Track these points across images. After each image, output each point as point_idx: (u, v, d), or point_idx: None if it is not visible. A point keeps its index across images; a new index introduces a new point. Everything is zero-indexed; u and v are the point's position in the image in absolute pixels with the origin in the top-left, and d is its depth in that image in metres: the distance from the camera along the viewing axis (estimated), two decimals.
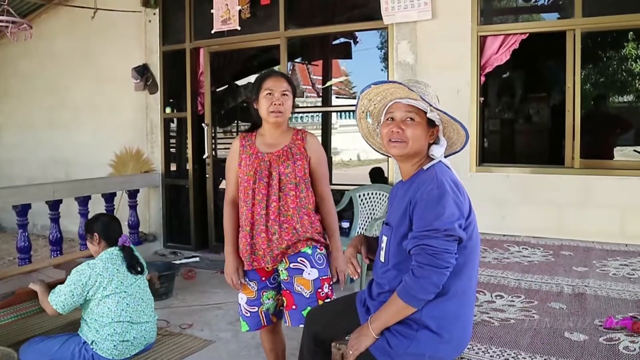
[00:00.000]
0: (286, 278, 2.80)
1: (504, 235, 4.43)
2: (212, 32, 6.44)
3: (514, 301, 2.84)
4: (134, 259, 3.35)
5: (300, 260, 2.77)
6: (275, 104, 2.74)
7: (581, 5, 4.76)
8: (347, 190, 5.66)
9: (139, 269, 3.35)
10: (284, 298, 2.84)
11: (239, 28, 6.27)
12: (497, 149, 7.91)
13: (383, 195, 5.46)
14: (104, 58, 7.39)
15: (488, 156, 6.31)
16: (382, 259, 2.19)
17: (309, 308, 2.72)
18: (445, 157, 2.17)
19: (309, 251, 2.79)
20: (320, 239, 2.85)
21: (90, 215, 5.69)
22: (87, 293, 3.16)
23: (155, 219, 7.06)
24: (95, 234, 3.37)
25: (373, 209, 5.50)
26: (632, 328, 2.37)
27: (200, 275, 5.75)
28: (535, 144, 7.83)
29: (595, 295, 2.92)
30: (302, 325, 2.57)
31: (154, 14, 6.89)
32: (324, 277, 2.80)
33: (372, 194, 5.55)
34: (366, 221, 5.44)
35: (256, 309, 2.87)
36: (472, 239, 2.04)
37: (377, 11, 5.46)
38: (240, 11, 6.21)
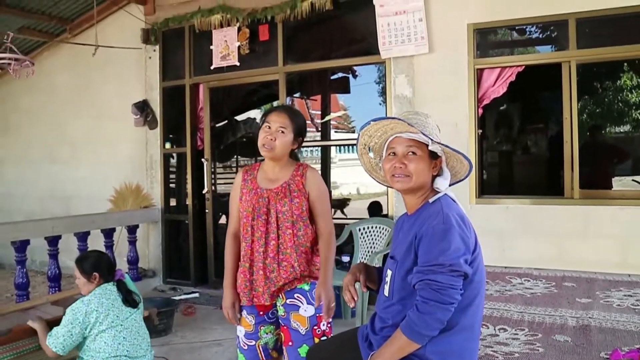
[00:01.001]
0: (283, 314, 2.78)
1: (505, 267, 4.41)
2: (212, 68, 6.51)
3: (517, 334, 2.81)
4: (129, 292, 3.31)
5: (297, 296, 2.75)
6: (267, 138, 2.72)
7: (575, 38, 4.83)
8: (347, 224, 5.64)
9: (136, 301, 3.30)
10: (281, 333, 2.82)
11: (238, 64, 6.33)
12: (497, 181, 7.91)
13: (383, 228, 5.44)
14: (104, 94, 7.45)
15: (488, 188, 6.32)
16: (386, 293, 2.16)
17: (305, 345, 2.69)
18: (450, 185, 2.16)
19: (306, 287, 2.77)
20: (318, 275, 2.81)
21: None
22: (86, 330, 3.12)
23: (155, 255, 7.02)
24: (95, 273, 3.32)
25: (373, 243, 5.47)
26: None
27: (199, 311, 5.69)
28: (534, 175, 7.84)
29: (600, 327, 2.89)
30: None
31: (154, 50, 6.98)
32: (320, 315, 2.76)
33: (372, 227, 5.53)
34: (366, 255, 5.41)
35: (254, 342, 2.83)
36: (478, 273, 2.02)
37: (374, 46, 5.53)
38: (239, 47, 6.28)
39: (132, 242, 6.63)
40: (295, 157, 2.95)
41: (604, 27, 4.95)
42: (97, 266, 3.35)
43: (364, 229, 5.53)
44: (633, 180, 7.64)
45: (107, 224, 6.30)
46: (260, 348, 2.83)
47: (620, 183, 7.56)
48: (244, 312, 2.83)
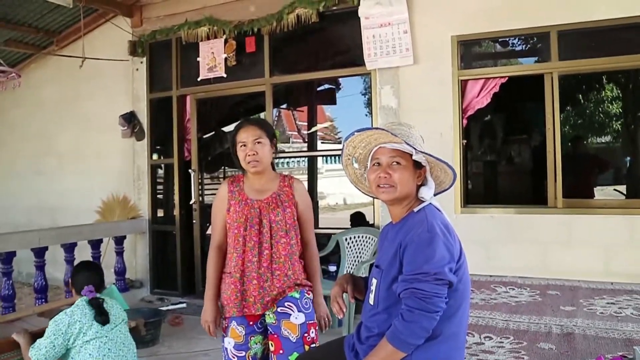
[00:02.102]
0: (274, 322, 2.80)
1: (490, 275, 4.46)
2: (199, 79, 6.53)
3: (502, 342, 2.85)
4: (100, 310, 3.22)
5: (288, 305, 2.78)
6: (249, 155, 2.77)
7: (557, 50, 4.91)
8: (334, 234, 5.67)
9: (107, 320, 3.21)
10: (271, 342, 2.83)
11: (225, 75, 6.37)
12: (481, 191, 7.98)
13: (369, 238, 5.48)
14: (91, 106, 7.45)
15: (472, 198, 6.38)
16: (371, 301, 2.16)
17: (295, 353, 2.71)
18: (434, 194, 2.18)
19: (297, 295, 2.80)
20: (308, 283, 2.87)
21: (75, 263, 5.69)
22: (68, 342, 3.10)
23: (142, 265, 7.00)
24: (70, 282, 3.36)
25: (360, 252, 5.51)
26: None
27: (187, 321, 5.68)
28: (518, 185, 7.92)
29: (584, 334, 2.94)
30: None
31: (141, 62, 7.00)
32: (310, 322, 2.80)
33: (358, 237, 5.57)
34: (353, 264, 5.44)
35: (244, 353, 2.83)
36: (462, 281, 2.03)
37: (360, 57, 5.59)
38: (226, 59, 6.32)
39: (120, 253, 6.62)
40: (273, 167, 3.00)
41: (585, 39, 5.05)
42: (75, 280, 3.37)
43: (350, 238, 5.56)
44: (615, 189, 7.76)
45: (94, 235, 6.29)
46: (250, 359, 2.84)
47: (602, 192, 7.67)
48: (234, 323, 2.82)
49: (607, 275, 4.45)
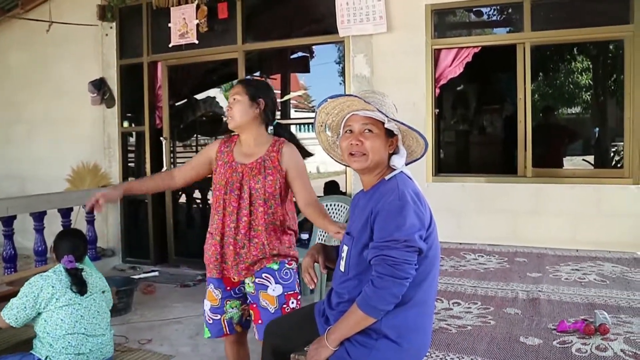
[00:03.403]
0: (253, 292, 2.81)
1: (460, 243, 4.52)
2: (170, 45, 6.43)
3: (470, 308, 2.91)
4: (78, 280, 3.20)
5: (265, 276, 2.78)
6: (227, 113, 2.83)
7: (530, 20, 4.93)
8: None
9: (83, 290, 3.20)
10: (250, 310, 2.86)
11: (196, 42, 6.28)
12: (453, 160, 8.07)
13: (342, 206, 5.51)
14: (60, 72, 7.28)
15: (444, 167, 6.45)
16: (342, 268, 2.19)
17: None
18: (406, 164, 2.19)
19: (275, 267, 2.80)
20: (290, 253, 2.85)
21: (45, 232, 5.63)
22: (39, 305, 3.09)
23: (114, 234, 6.97)
24: (54, 253, 3.33)
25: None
26: (584, 331, 2.45)
27: (159, 289, 5.69)
28: (489, 154, 8.02)
29: (549, 299, 3.01)
30: None
31: (111, 27, 6.85)
32: (289, 293, 2.81)
33: (331, 205, 5.59)
34: (325, 233, 5.46)
35: (219, 316, 2.88)
36: (432, 248, 2.06)
37: (333, 25, 5.54)
38: (197, 25, 6.21)
39: (90, 221, 6.56)
40: (276, 133, 2.94)
41: (558, 10, 5.09)
42: (58, 247, 3.35)
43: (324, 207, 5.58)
44: (583, 159, 7.91)
45: (64, 203, 6.20)
46: (225, 322, 2.88)
47: (571, 162, 7.81)
48: (211, 286, 2.87)
49: (574, 243, 4.55)
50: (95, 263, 5.53)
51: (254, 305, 2.82)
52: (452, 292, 3.19)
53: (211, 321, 2.89)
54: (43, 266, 5.28)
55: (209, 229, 2.88)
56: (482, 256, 4.11)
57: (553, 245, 4.35)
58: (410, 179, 2.14)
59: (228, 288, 2.86)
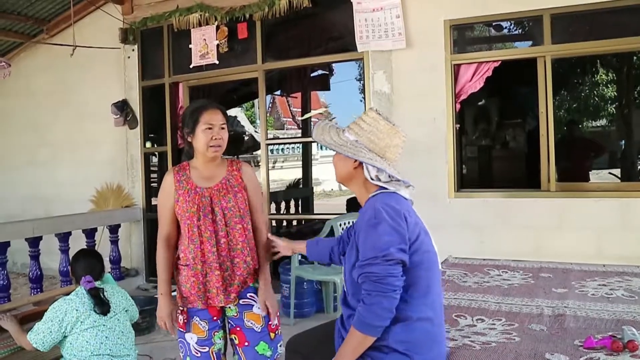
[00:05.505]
0: (235, 314, 2.74)
1: (483, 259, 4.45)
2: (191, 66, 6.51)
3: (494, 324, 2.86)
4: (99, 301, 3.19)
5: (250, 295, 2.74)
6: (215, 139, 2.68)
7: (550, 33, 4.90)
8: (329, 219, 5.68)
9: (106, 310, 3.20)
10: (233, 336, 2.78)
11: (217, 62, 6.34)
12: (475, 175, 8.00)
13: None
14: (83, 95, 7.41)
15: (466, 182, 6.38)
16: (345, 288, 2.26)
17: (262, 342, 2.71)
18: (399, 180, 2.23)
19: (257, 285, 2.77)
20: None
21: (70, 252, 5.68)
22: (65, 329, 3.11)
23: (137, 254, 7.01)
24: (70, 270, 3.36)
25: None
26: (611, 347, 2.39)
27: None
28: (512, 169, 7.93)
29: (575, 315, 2.95)
30: None
31: (133, 50, 6.96)
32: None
33: (352, 222, 5.57)
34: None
35: (207, 349, 2.74)
36: (425, 262, 2.11)
37: (352, 43, 5.57)
38: (218, 45, 6.29)
39: (114, 241, 6.62)
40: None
41: (578, 23, 5.05)
42: (75, 269, 3.36)
43: (344, 223, 5.58)
44: (609, 173, 7.79)
45: (88, 224, 6.28)
46: (214, 354, 2.75)
47: (597, 176, 7.70)
48: (196, 318, 2.73)
49: (600, 257, 4.46)
50: (119, 283, 5.55)
51: (238, 329, 2.74)
52: (475, 309, 3.14)
53: (198, 354, 2.73)
54: (68, 286, 5.32)
55: (180, 262, 2.75)
56: (506, 272, 4.04)
57: (579, 261, 4.27)
58: (396, 192, 2.18)
59: (214, 318, 2.74)
